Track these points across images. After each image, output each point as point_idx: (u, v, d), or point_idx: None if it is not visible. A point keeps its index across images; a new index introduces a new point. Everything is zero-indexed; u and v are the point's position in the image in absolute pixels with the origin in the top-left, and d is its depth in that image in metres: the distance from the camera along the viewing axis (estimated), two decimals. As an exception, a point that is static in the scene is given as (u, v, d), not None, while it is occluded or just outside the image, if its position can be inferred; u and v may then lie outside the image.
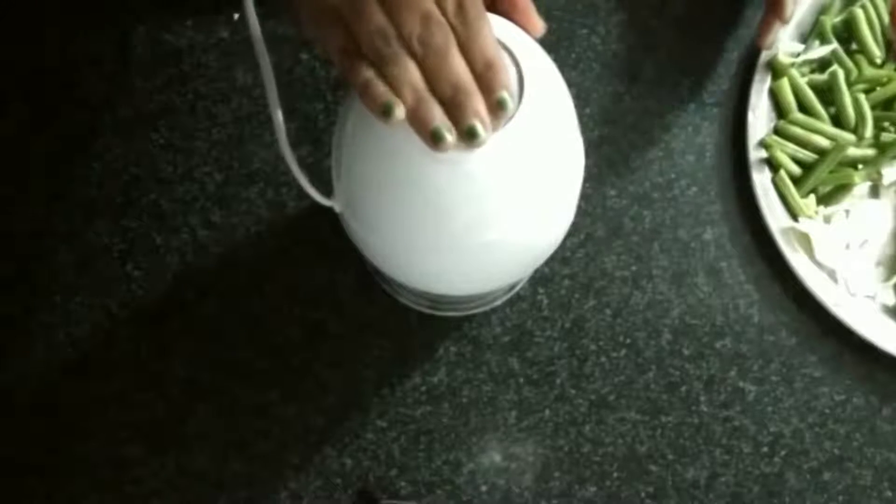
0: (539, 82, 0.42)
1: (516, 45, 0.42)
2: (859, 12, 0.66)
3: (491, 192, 0.43)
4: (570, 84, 0.46)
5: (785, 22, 0.64)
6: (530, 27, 0.44)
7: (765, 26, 0.65)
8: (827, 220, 0.65)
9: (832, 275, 0.65)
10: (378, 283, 0.64)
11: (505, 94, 0.40)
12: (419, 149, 0.40)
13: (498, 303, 0.64)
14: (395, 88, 0.39)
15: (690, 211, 0.66)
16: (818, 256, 0.64)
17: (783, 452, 0.64)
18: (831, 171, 0.65)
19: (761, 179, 0.65)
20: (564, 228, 0.49)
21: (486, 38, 0.40)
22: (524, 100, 0.41)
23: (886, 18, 0.66)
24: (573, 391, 0.64)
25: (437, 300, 0.61)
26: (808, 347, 0.65)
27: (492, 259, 0.46)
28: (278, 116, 0.44)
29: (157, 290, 0.64)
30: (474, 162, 0.41)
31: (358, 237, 0.49)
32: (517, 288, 0.64)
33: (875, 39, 0.66)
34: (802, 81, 0.66)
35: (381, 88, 0.39)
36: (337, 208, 0.48)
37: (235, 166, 0.65)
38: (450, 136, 0.39)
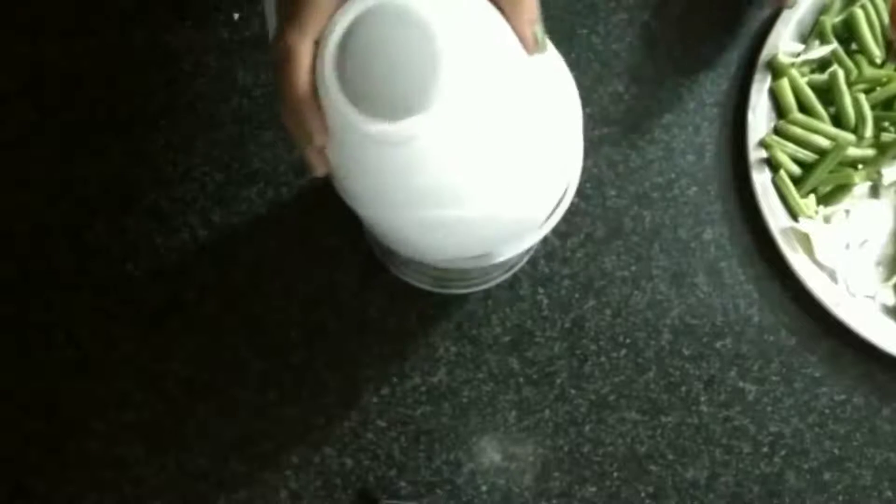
0: (487, 55, 0.39)
1: (458, 16, 0.39)
2: (859, 12, 0.66)
3: (451, 165, 0.40)
4: (570, 84, 0.46)
5: None
6: (526, 46, 0.41)
7: None
8: (827, 220, 0.65)
9: (832, 275, 0.65)
10: (377, 283, 0.64)
11: (303, 146, 0.41)
12: (354, 127, 0.38)
13: (498, 280, 0.63)
14: None
15: (690, 211, 0.66)
16: (818, 256, 0.64)
17: (783, 452, 0.64)
18: (831, 171, 0.65)
19: (761, 179, 0.65)
20: (549, 204, 0.47)
21: (288, 84, 0.40)
22: (473, 72, 0.38)
23: (886, 18, 0.66)
24: (573, 391, 0.64)
25: (440, 276, 0.61)
26: (808, 347, 0.65)
27: (466, 232, 0.44)
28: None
29: (157, 290, 0.64)
30: (425, 136, 0.38)
31: (350, 202, 0.48)
32: (516, 268, 0.64)
33: (875, 39, 0.66)
34: (802, 81, 0.66)
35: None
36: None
37: (235, 166, 0.65)
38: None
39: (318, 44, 0.39)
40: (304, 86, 0.40)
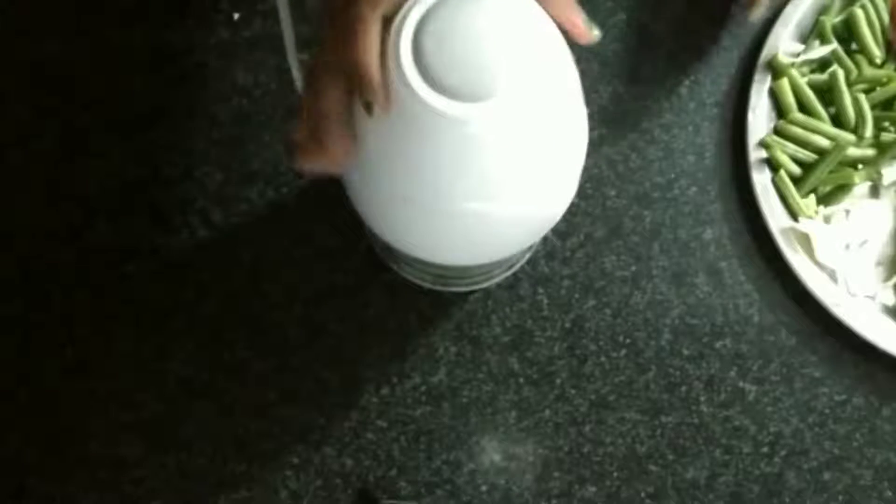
0: (544, 52, 0.42)
1: (526, 12, 0.42)
2: (859, 12, 0.66)
3: (493, 158, 0.42)
4: (570, 84, 0.46)
5: None
6: (577, 35, 0.43)
7: None
8: (827, 220, 0.65)
9: (832, 275, 0.65)
10: (377, 283, 0.64)
11: (366, 100, 0.41)
12: (423, 105, 0.40)
13: (498, 279, 0.63)
14: None
15: (690, 211, 0.66)
16: (818, 256, 0.64)
17: (783, 452, 0.64)
18: (831, 171, 0.65)
19: (761, 179, 0.65)
20: (565, 203, 0.49)
21: (356, 47, 0.40)
22: (532, 68, 0.41)
23: (886, 18, 0.66)
24: (573, 391, 0.64)
25: (442, 274, 0.61)
26: (808, 347, 0.65)
27: (489, 228, 0.46)
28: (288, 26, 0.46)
29: (157, 290, 0.64)
30: (478, 124, 0.40)
31: (359, 199, 0.49)
32: (516, 267, 0.64)
33: (875, 39, 0.66)
34: (802, 81, 0.66)
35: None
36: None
37: (235, 166, 0.65)
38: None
39: (386, 19, 0.41)
40: (375, 56, 0.40)
